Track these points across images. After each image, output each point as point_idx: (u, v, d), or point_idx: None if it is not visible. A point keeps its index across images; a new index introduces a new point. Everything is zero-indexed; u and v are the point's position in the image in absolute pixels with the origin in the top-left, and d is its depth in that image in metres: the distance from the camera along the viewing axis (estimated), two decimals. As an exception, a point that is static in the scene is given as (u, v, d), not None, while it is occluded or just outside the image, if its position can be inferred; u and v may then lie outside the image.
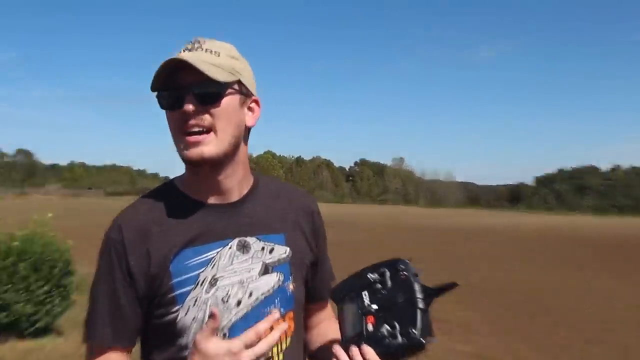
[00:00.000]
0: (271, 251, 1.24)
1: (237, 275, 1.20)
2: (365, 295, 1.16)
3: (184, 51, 1.17)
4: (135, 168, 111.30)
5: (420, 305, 1.09)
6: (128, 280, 1.18)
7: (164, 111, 1.19)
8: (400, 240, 18.13)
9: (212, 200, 1.23)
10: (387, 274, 1.16)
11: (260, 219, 1.26)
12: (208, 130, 1.16)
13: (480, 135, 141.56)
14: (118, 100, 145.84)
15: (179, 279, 1.17)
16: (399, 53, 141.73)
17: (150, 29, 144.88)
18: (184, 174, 1.27)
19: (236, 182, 1.25)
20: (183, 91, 1.15)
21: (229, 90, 1.19)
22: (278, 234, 1.27)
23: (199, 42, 1.19)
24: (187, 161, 1.18)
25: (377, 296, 1.15)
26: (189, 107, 1.14)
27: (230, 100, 1.19)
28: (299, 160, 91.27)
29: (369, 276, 1.17)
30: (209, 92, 1.16)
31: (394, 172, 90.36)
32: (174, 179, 1.30)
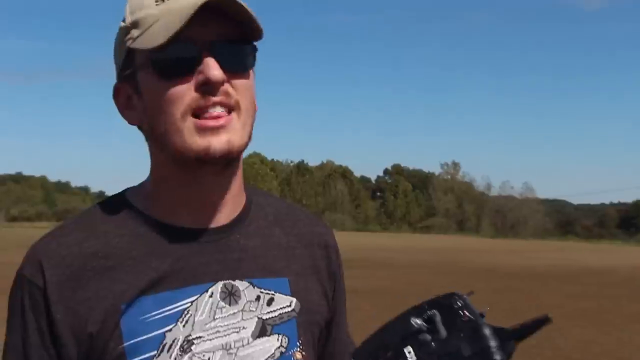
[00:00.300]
0: (270, 302, 1.24)
1: (221, 336, 1.19)
2: (410, 354, 1.15)
3: None
4: (53, 180, 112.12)
5: (498, 357, 1.08)
6: (49, 344, 1.16)
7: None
8: (454, 288, 17.85)
9: (189, 223, 1.22)
10: (438, 317, 1.15)
11: (255, 255, 1.26)
12: (230, 112, 1.16)
13: (575, 132, 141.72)
14: (17, 77, 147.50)
15: (133, 340, 1.15)
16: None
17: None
18: (141, 186, 1.28)
19: (231, 196, 1.25)
20: (200, 49, 1.13)
21: (255, 56, 1.21)
22: (280, 278, 1.28)
23: None
24: (205, 156, 1.14)
25: (427, 352, 1.14)
26: (216, 73, 1.12)
27: (253, 71, 1.22)
28: (300, 168, 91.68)
29: (412, 322, 1.17)
30: (241, 55, 1.17)
31: (445, 184, 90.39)
32: (125, 191, 1.29)
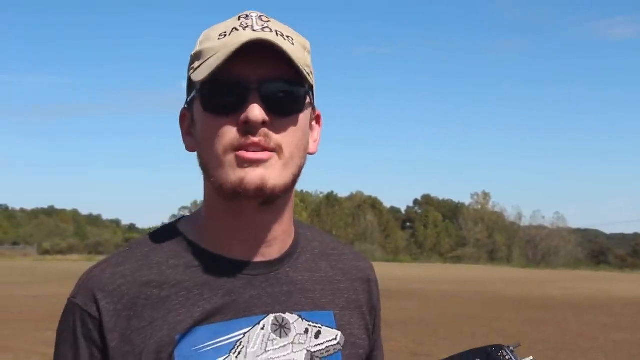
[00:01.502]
0: (317, 335, 1.26)
1: None
2: None
3: (242, 29, 1.17)
4: (84, 213, 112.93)
5: None
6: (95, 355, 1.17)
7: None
8: (486, 319, 17.89)
9: (240, 256, 1.24)
10: None
11: (303, 289, 1.28)
12: (271, 151, 1.17)
13: (607, 161, 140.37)
14: (48, 113, 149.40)
15: None
16: (481, 28, 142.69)
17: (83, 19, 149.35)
18: (193, 217, 1.30)
19: (281, 231, 1.27)
20: (247, 88, 1.15)
21: (307, 100, 1.22)
22: (326, 312, 1.29)
23: (262, 19, 1.20)
24: (238, 188, 1.16)
25: None
26: (257, 113, 1.14)
27: (306, 115, 1.23)
28: (330, 198, 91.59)
29: None
30: (287, 95, 1.18)
31: (475, 214, 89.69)
32: (177, 221, 1.31)
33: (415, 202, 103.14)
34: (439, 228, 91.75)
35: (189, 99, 1.25)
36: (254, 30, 1.16)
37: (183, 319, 1.18)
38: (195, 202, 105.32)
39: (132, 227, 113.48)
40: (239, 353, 1.18)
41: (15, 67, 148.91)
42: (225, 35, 1.18)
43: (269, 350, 1.20)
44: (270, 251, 1.26)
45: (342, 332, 1.29)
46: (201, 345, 1.17)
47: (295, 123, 1.19)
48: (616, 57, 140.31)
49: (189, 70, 1.23)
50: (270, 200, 1.20)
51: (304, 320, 1.25)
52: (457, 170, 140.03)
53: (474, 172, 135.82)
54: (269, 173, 1.16)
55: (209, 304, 1.19)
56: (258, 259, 1.25)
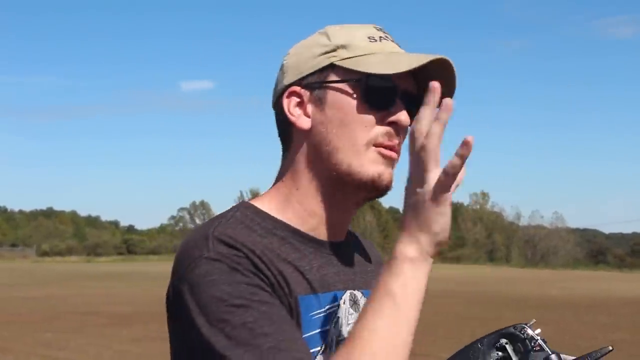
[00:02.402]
0: None
1: None
2: None
3: (389, 40, 1.32)
4: (83, 214, 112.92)
5: None
6: (271, 292, 1.16)
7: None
8: (485, 319, 17.90)
9: (321, 235, 1.33)
10: (509, 347, 1.21)
11: (360, 270, 1.41)
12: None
13: (605, 161, 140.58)
14: (46, 114, 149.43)
15: (307, 334, 1.22)
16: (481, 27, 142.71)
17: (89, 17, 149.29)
18: (266, 199, 1.33)
19: (350, 222, 1.39)
20: (398, 94, 1.27)
21: None
22: (369, 291, 1.34)
23: (389, 36, 1.34)
24: (374, 182, 1.26)
25: None
26: (406, 119, 1.27)
27: None
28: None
29: (491, 356, 1.22)
30: (417, 108, 1.21)
31: (474, 214, 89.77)
32: (248, 202, 1.31)
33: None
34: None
35: (313, 82, 1.29)
36: (395, 44, 1.32)
37: (299, 283, 1.22)
38: (194, 204, 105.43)
39: (130, 229, 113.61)
40: (335, 323, 1.28)
41: (15, 68, 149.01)
42: (375, 40, 1.30)
43: (350, 323, 1.29)
44: (340, 234, 1.36)
45: None
46: (314, 312, 1.24)
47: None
48: (616, 56, 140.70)
49: (323, 56, 1.30)
50: (380, 197, 1.32)
51: (365, 298, 1.33)
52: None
53: (472, 172, 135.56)
54: (392, 173, 1.29)
55: (309, 275, 1.25)
56: (335, 239, 1.34)
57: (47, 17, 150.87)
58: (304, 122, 1.30)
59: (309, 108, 1.29)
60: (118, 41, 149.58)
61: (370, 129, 1.25)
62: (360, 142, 1.25)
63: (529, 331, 1.21)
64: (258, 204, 1.31)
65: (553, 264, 71.32)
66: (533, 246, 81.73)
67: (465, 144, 1.10)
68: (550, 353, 1.18)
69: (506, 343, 1.20)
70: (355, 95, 1.26)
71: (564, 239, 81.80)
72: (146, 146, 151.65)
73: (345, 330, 1.28)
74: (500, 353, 1.21)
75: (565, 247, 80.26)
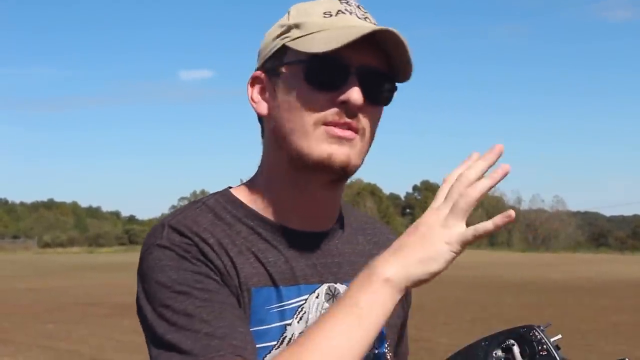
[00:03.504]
0: None
1: None
2: None
3: (348, 13, 1.23)
4: (84, 205, 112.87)
5: None
6: (219, 280, 1.17)
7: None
8: (486, 304, 17.95)
9: (297, 226, 1.29)
10: (517, 349, 1.18)
11: (349, 260, 1.34)
12: (355, 133, 1.23)
13: (605, 143, 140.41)
14: (46, 105, 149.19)
15: (258, 328, 1.20)
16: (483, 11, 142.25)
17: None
18: (245, 186, 1.33)
19: (334, 208, 1.34)
20: (349, 71, 1.20)
21: (394, 94, 1.28)
22: None
23: (360, 8, 1.27)
24: (324, 162, 1.20)
25: None
26: (357, 97, 1.19)
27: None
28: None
29: (492, 355, 1.19)
30: (382, 90, 1.24)
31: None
32: (225, 190, 1.32)
33: (415, 188, 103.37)
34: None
35: (271, 65, 1.27)
36: (358, 18, 1.23)
37: (255, 275, 1.21)
38: (194, 193, 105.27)
39: (132, 219, 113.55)
40: (301, 318, 1.24)
41: (15, 59, 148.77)
42: (330, 15, 1.23)
43: None
44: (323, 224, 1.32)
45: None
46: (272, 306, 1.21)
47: (379, 113, 1.27)
48: (613, 39, 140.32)
49: (279, 37, 1.26)
50: (343, 179, 1.26)
51: None
52: (456, 155, 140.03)
53: (469, 152, 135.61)
54: (353, 153, 1.22)
55: (274, 268, 1.23)
56: (312, 229, 1.30)
57: (45, 9, 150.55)
58: (262, 108, 1.28)
59: (267, 93, 1.28)
60: (114, 32, 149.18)
61: (318, 110, 1.20)
62: (309, 124, 1.20)
63: (538, 334, 1.17)
64: (235, 192, 1.31)
65: (554, 247, 71.35)
66: (534, 230, 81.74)
67: (508, 216, 1.07)
68: (558, 359, 1.13)
69: (512, 344, 1.17)
70: (301, 77, 1.22)
71: (565, 222, 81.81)
72: (146, 136, 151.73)
73: None
74: (504, 354, 1.18)
75: (567, 230, 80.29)
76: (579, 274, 29.28)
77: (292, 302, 1.24)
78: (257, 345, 1.16)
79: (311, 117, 1.20)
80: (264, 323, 1.20)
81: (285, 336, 1.21)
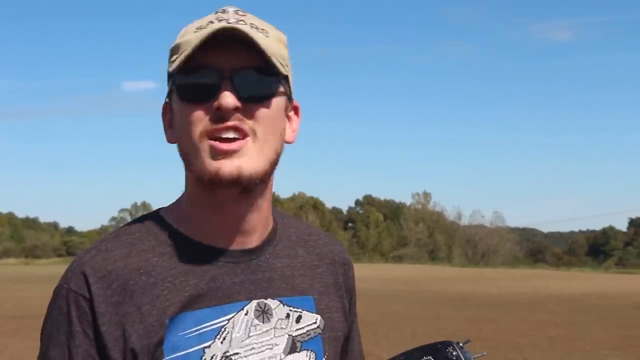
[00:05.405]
0: (298, 320, 1.30)
1: (256, 353, 1.24)
2: None
3: (218, 21, 1.20)
4: (20, 216, 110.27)
5: None
6: (94, 355, 1.18)
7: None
8: (426, 318, 18.09)
9: (222, 244, 1.27)
10: None
11: (283, 275, 1.32)
12: (244, 137, 1.20)
13: (544, 162, 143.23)
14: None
15: (175, 355, 1.19)
16: (420, 31, 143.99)
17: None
18: (174, 206, 1.32)
19: (259, 221, 1.30)
20: (220, 77, 1.19)
21: (279, 87, 1.25)
22: (305, 296, 1.33)
23: (238, 13, 1.24)
24: (214, 179, 1.19)
25: None
26: (229, 100, 1.17)
27: (279, 102, 1.26)
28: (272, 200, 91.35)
29: None
30: (259, 83, 1.21)
31: (416, 214, 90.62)
32: (159, 211, 1.33)
33: (357, 202, 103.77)
34: (380, 228, 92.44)
35: (168, 92, 1.28)
36: (228, 23, 1.20)
37: (171, 305, 1.20)
38: (135, 205, 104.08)
39: (70, 230, 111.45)
40: (224, 338, 1.22)
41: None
42: (201, 28, 1.21)
43: (252, 335, 1.24)
44: (251, 239, 1.29)
45: (321, 316, 1.33)
46: (188, 331, 1.20)
47: (267, 109, 1.22)
48: (553, 59, 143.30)
49: (168, 65, 1.26)
50: (248, 189, 1.23)
51: (285, 306, 1.29)
52: (399, 171, 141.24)
53: (415, 172, 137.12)
54: (245, 161, 1.19)
55: (195, 289, 1.22)
56: (239, 246, 1.28)
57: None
58: (169, 136, 1.29)
59: (173, 121, 1.28)
60: (56, 44, 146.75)
61: (197, 123, 1.19)
62: (195, 140, 1.19)
63: (455, 351, 1.19)
64: (165, 213, 1.31)
65: (493, 263, 72.31)
66: (474, 245, 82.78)
67: None
68: None
69: None
70: (178, 97, 1.23)
71: (504, 238, 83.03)
72: (85, 147, 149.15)
73: (242, 343, 1.22)
74: None
75: (505, 246, 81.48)
76: (516, 289, 29.70)
77: (214, 324, 1.22)
78: None
79: (195, 132, 1.19)
80: (179, 350, 1.19)
81: (205, 359, 1.20)
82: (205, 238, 1.27)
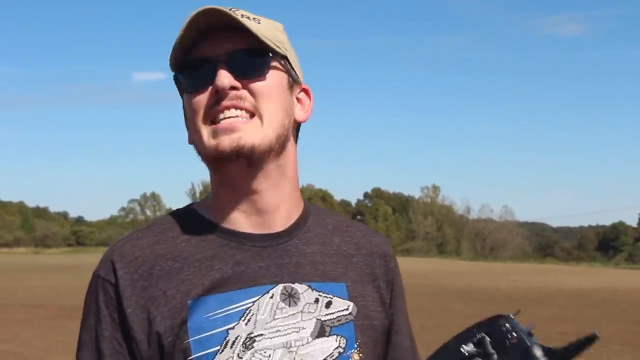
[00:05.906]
0: (328, 305, 1.31)
1: (281, 335, 1.25)
2: None
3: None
4: (31, 205, 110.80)
5: None
6: (119, 339, 1.24)
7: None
8: (434, 311, 18.08)
9: (247, 228, 1.31)
10: (487, 340, 1.19)
11: (313, 261, 1.34)
12: (247, 113, 1.25)
13: (554, 156, 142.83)
14: None
15: (199, 336, 1.22)
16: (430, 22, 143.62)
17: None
18: (207, 198, 1.37)
19: (281, 201, 1.32)
20: (215, 62, 1.24)
21: (275, 63, 1.29)
22: (337, 283, 1.34)
23: (229, 8, 1.27)
24: (215, 154, 1.24)
25: None
26: (224, 80, 1.22)
27: (277, 75, 1.29)
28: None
29: (462, 350, 1.20)
30: (252, 60, 1.26)
31: (425, 208, 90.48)
32: (192, 203, 1.39)
33: (366, 195, 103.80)
34: (389, 221, 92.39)
35: (180, 94, 1.34)
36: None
37: (194, 288, 1.24)
38: (144, 195, 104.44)
39: (80, 220, 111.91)
40: (249, 320, 1.24)
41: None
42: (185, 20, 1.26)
43: (277, 318, 1.25)
44: (274, 220, 1.32)
45: (354, 303, 1.33)
46: (212, 313, 1.23)
47: (267, 85, 1.27)
48: (558, 53, 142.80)
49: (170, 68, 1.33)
50: (254, 161, 1.26)
51: (314, 291, 1.30)
52: (408, 164, 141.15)
53: (424, 165, 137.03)
54: (244, 133, 1.23)
55: (219, 273, 1.25)
56: (265, 230, 1.31)
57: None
58: (189, 137, 1.35)
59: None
60: (62, 33, 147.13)
61: (200, 109, 1.26)
62: (198, 126, 1.26)
63: (507, 324, 1.19)
64: (197, 205, 1.37)
65: (502, 257, 72.13)
66: (482, 239, 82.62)
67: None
68: (530, 345, 1.14)
69: (483, 337, 1.18)
70: (182, 94, 1.31)
71: (513, 232, 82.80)
72: (96, 137, 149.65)
73: (266, 325, 1.24)
74: (475, 349, 1.18)
75: (514, 240, 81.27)
76: (525, 284, 29.63)
77: (239, 306, 1.24)
78: (200, 353, 1.21)
79: (198, 118, 1.26)
80: (204, 331, 1.22)
81: (229, 340, 1.22)
82: (232, 224, 1.30)
